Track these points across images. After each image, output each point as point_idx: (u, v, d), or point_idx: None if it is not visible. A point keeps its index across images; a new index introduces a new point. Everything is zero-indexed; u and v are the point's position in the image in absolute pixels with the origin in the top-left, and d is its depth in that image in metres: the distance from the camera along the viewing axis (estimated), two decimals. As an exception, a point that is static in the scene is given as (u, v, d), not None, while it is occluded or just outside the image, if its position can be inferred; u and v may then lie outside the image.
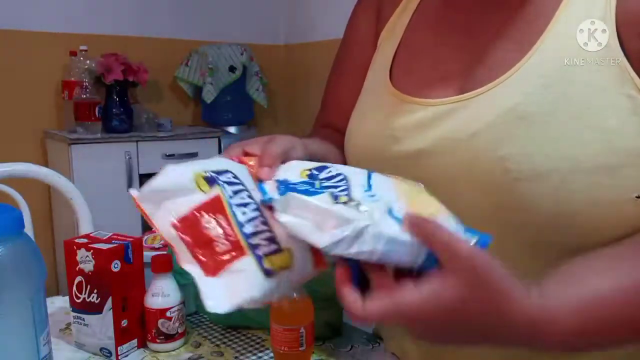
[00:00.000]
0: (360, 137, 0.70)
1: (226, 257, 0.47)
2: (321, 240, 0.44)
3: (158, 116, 2.53)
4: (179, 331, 0.74)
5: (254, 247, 0.47)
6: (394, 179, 0.54)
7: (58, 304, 0.88)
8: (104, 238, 0.73)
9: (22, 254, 0.56)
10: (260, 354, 0.73)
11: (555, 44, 0.56)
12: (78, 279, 0.71)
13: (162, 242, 0.87)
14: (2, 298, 0.54)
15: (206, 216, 0.48)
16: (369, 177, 0.53)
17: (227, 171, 0.52)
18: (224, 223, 0.47)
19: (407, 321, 0.45)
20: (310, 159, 0.64)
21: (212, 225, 0.47)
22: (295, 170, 0.54)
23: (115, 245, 0.70)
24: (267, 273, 0.47)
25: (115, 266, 0.70)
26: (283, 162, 0.58)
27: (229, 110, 2.78)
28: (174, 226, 0.47)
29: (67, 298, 0.77)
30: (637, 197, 0.54)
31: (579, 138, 0.53)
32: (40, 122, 2.44)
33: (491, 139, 0.56)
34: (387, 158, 0.65)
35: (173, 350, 0.74)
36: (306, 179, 0.53)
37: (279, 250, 0.48)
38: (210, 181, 0.49)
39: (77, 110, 2.26)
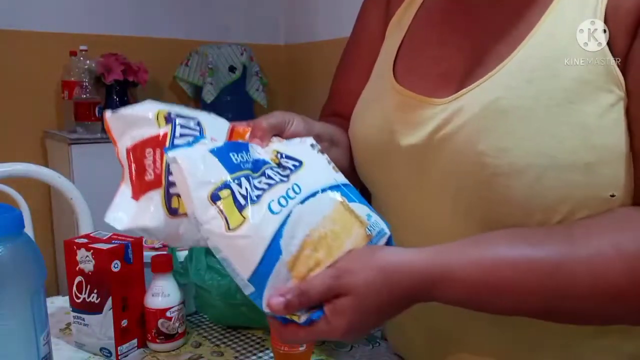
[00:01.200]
0: (362, 128, 0.71)
1: (147, 185, 0.51)
2: (188, 208, 0.48)
3: (158, 116, 2.53)
4: (179, 331, 0.74)
5: (169, 184, 0.50)
6: (342, 205, 0.54)
7: (58, 304, 0.88)
8: (104, 238, 0.73)
9: (22, 254, 0.56)
10: (260, 354, 0.73)
11: (544, 40, 0.56)
12: (78, 279, 0.71)
13: (162, 242, 0.87)
14: (2, 298, 0.54)
15: (149, 148, 0.52)
16: (323, 190, 0.53)
17: (193, 118, 0.55)
18: (157, 156, 0.51)
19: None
20: (317, 140, 0.65)
21: (149, 156, 0.52)
22: (269, 147, 0.57)
23: (115, 245, 0.70)
24: (171, 211, 0.50)
25: (115, 266, 0.70)
26: (279, 135, 0.60)
27: (229, 110, 2.78)
28: (127, 151, 0.53)
29: (67, 298, 0.77)
30: (611, 195, 0.54)
31: (556, 134, 0.53)
32: (40, 122, 2.43)
33: (472, 133, 0.57)
34: (386, 151, 0.66)
35: (173, 350, 0.74)
36: (273, 160, 0.55)
37: None
38: (168, 119, 0.53)
39: (77, 110, 2.26)
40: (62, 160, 2.20)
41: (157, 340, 0.73)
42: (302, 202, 0.51)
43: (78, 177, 2.10)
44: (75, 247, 0.71)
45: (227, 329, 0.80)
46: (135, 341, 0.74)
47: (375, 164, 0.69)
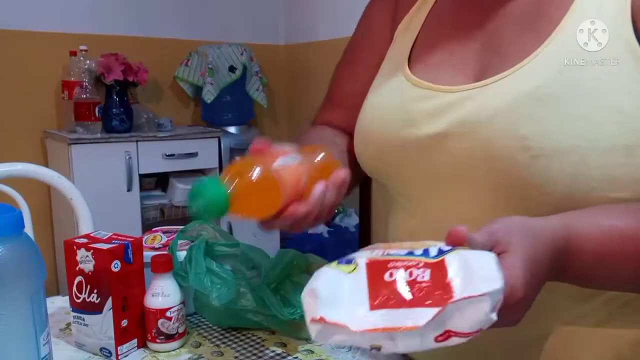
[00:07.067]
0: (375, 123, 0.71)
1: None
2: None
3: (158, 116, 2.53)
4: (179, 331, 0.74)
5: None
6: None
7: (58, 304, 0.88)
8: (104, 238, 0.73)
9: (22, 254, 0.56)
10: (260, 354, 0.73)
11: (569, 37, 0.58)
12: (78, 279, 0.71)
13: (162, 242, 0.87)
14: (2, 298, 0.54)
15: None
16: None
17: None
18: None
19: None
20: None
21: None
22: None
23: (115, 245, 0.70)
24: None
25: (115, 266, 0.70)
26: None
27: (229, 110, 2.78)
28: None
29: (67, 298, 0.77)
30: None
31: (592, 118, 0.55)
32: (40, 122, 2.44)
33: (511, 120, 0.58)
34: (404, 142, 0.66)
35: (173, 350, 0.74)
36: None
37: None
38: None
39: (77, 110, 2.26)
40: (62, 160, 2.20)
41: (157, 340, 0.73)
42: None
43: (78, 177, 2.11)
44: (75, 247, 0.71)
45: (227, 329, 0.80)
46: (135, 341, 0.74)
47: (392, 158, 0.69)
